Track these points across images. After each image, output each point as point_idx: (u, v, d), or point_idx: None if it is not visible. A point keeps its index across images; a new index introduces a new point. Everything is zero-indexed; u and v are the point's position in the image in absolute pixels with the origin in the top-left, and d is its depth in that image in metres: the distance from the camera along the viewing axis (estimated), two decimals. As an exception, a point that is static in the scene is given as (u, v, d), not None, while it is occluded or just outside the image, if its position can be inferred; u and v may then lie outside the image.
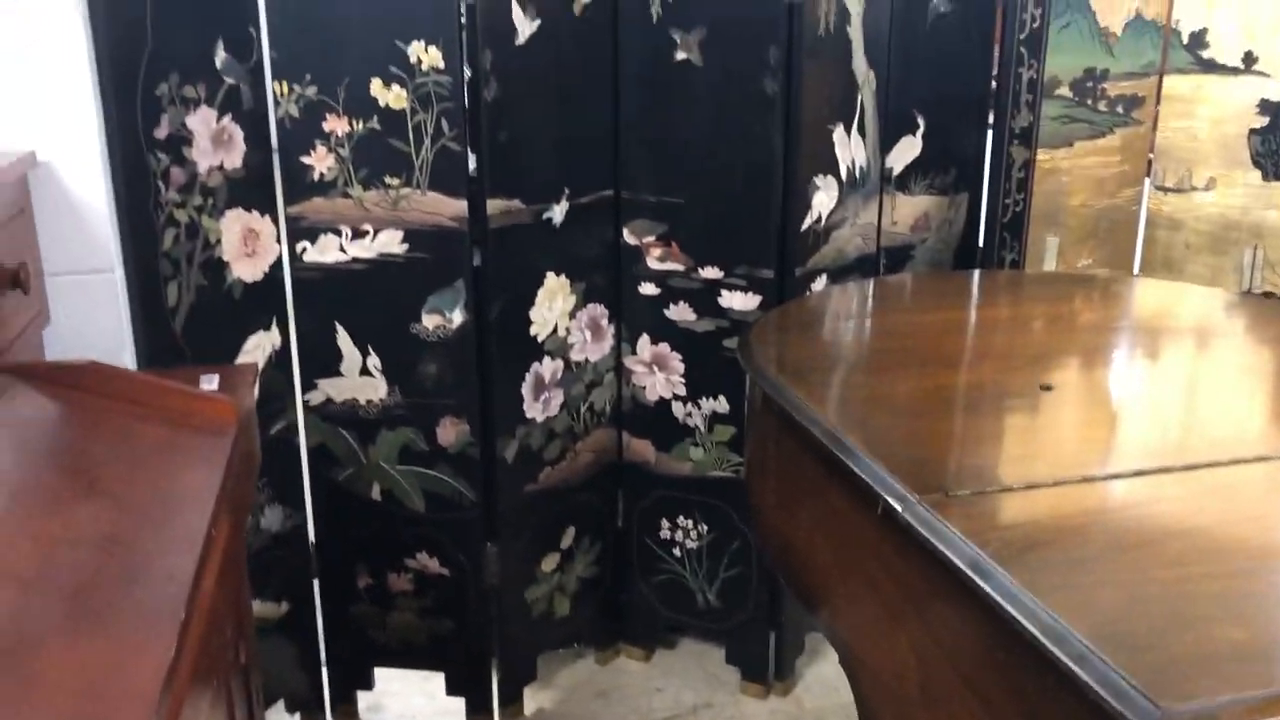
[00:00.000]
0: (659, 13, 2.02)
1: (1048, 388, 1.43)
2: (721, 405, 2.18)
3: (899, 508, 1.10)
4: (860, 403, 1.45)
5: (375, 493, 2.10)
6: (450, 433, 2.06)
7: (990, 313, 1.90)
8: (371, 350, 2.03)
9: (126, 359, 1.77)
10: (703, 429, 2.22)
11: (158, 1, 1.72)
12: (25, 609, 1.02)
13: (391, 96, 1.90)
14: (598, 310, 2.20)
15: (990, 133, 2.31)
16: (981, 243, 2.37)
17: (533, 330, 2.10)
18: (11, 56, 1.59)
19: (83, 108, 1.65)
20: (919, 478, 1.15)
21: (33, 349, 1.64)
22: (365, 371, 2.03)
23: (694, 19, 2.01)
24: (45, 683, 0.92)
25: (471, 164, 1.94)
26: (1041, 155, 2.26)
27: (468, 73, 1.88)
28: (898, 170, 2.30)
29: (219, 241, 1.89)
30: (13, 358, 1.52)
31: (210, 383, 1.64)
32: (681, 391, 2.22)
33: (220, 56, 1.84)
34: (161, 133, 1.77)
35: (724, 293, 2.12)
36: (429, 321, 2.00)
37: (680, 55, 2.03)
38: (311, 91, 1.90)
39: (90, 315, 1.73)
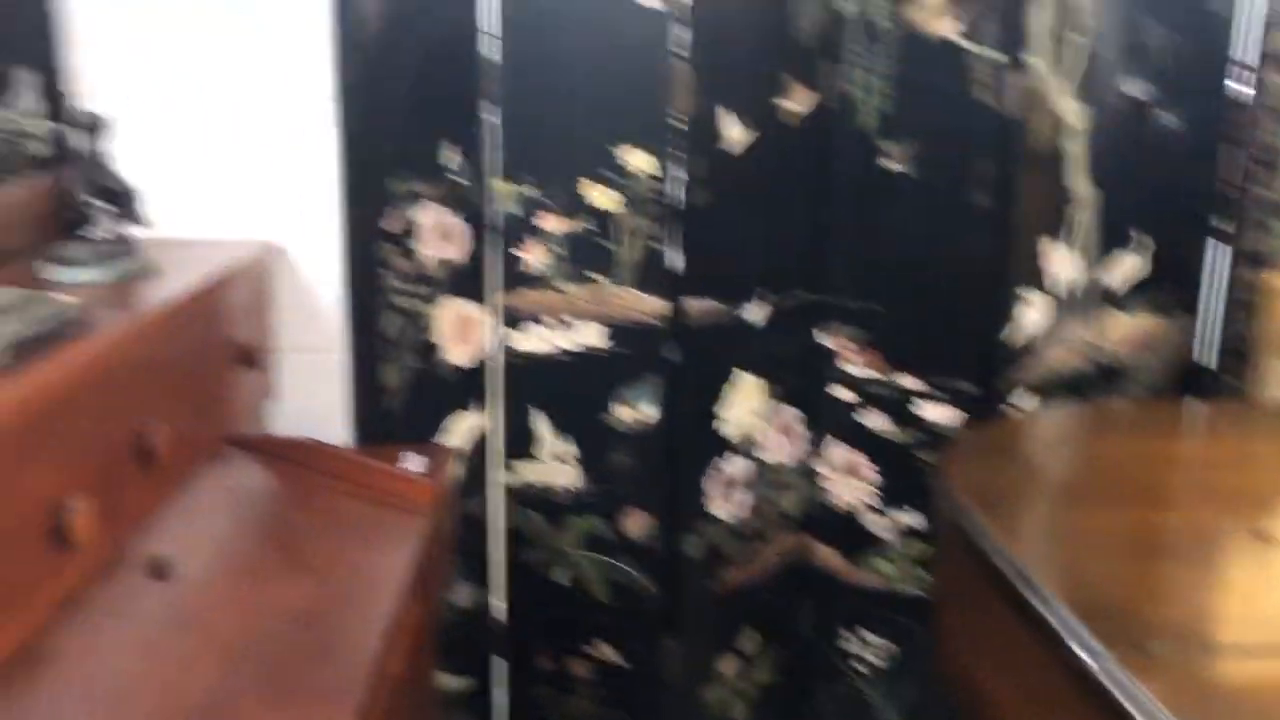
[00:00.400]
0: (872, 124, 2.03)
1: (1269, 537, 1.33)
2: (916, 519, 2.12)
3: (1092, 664, 1.04)
4: (1058, 540, 1.39)
5: (561, 577, 2.14)
6: (637, 524, 2.08)
7: (1210, 447, 1.79)
8: (567, 437, 2.08)
9: (343, 434, 1.89)
10: (895, 542, 2.16)
11: (400, 107, 1.86)
12: (225, 676, 1.09)
13: (603, 198, 1.97)
14: (790, 412, 2.19)
15: (1218, 252, 2.19)
16: (1204, 369, 2.23)
17: (724, 428, 2.11)
18: (272, 159, 1.75)
19: (327, 203, 1.79)
20: (1116, 630, 1.08)
21: (259, 421, 1.78)
22: (559, 458, 2.09)
23: (906, 131, 2.00)
24: (237, 751, 0.98)
25: (674, 263, 1.98)
26: (1274, 277, 2.12)
27: (677, 176, 1.94)
28: (1114, 287, 2.21)
29: (434, 327, 2.00)
30: (240, 429, 1.65)
31: (414, 462, 1.73)
32: (874, 501, 2.17)
33: (449, 157, 1.96)
34: (391, 225, 1.90)
35: (923, 403, 2.08)
36: (623, 413, 2.04)
37: (891, 166, 2.03)
38: (530, 190, 2.00)
39: (313, 391, 1.86)
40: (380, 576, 1.38)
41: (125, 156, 1.57)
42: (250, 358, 1.68)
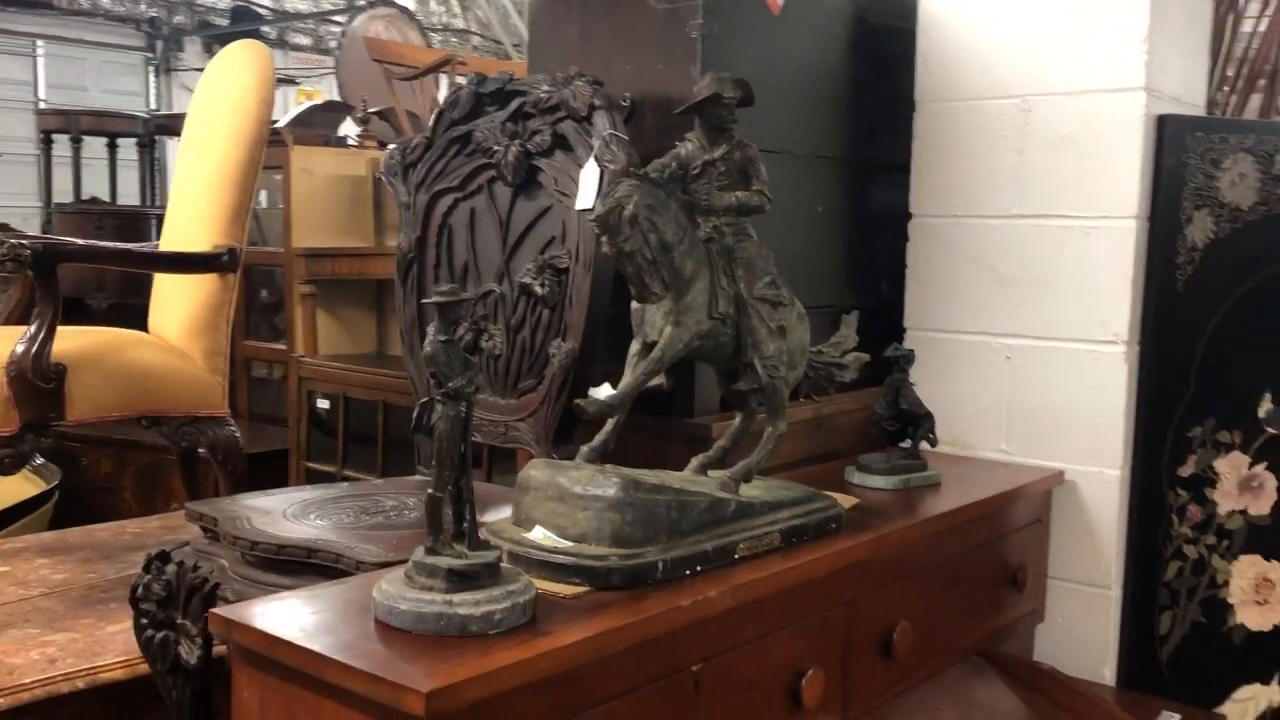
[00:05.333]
0: None
1: None
2: None
3: None
4: None
5: None
6: None
7: None
8: (1386, 745, 1.77)
9: (1107, 673, 1.86)
10: None
11: (1208, 354, 1.84)
12: None
13: None
14: None
15: None
16: None
17: None
18: (1063, 389, 1.85)
19: (1114, 440, 1.83)
20: None
21: (1021, 641, 1.84)
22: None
23: None
24: None
25: None
26: None
27: None
28: None
29: (1227, 584, 1.87)
30: (996, 645, 1.73)
31: (1168, 721, 1.65)
32: None
33: (1265, 407, 1.86)
34: (1186, 471, 1.85)
35: None
36: None
37: None
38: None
39: (1081, 624, 1.87)
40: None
41: (930, 375, 1.81)
42: (1018, 580, 1.76)
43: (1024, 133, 1.89)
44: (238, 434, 2.21)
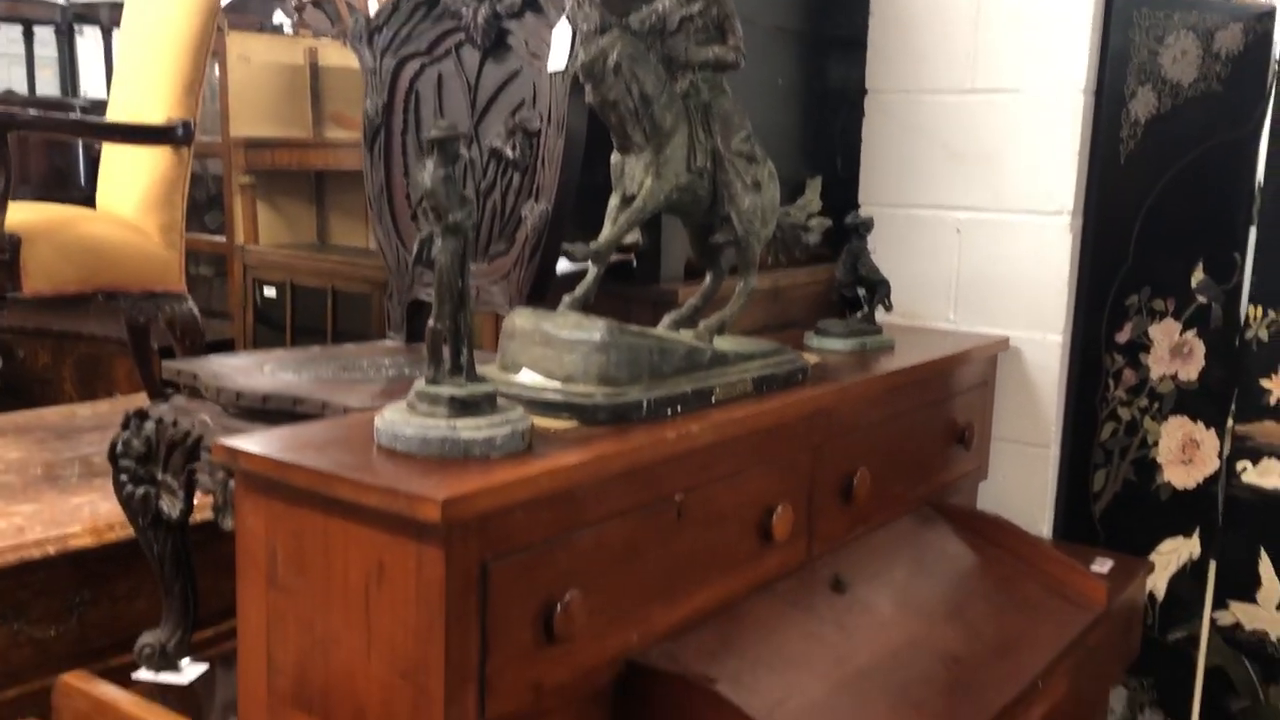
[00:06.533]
0: None
1: None
2: None
3: None
4: None
5: (1267, 738, 1.96)
6: (1371, 704, 1.83)
7: None
8: (1295, 587, 1.92)
9: (1044, 528, 1.98)
10: None
11: (1146, 225, 1.93)
12: (863, 681, 1.29)
13: (1372, 331, 1.81)
14: None
15: None
16: None
17: None
18: (1011, 259, 1.94)
19: (1057, 307, 1.92)
20: None
21: (966, 496, 1.94)
22: (1283, 607, 1.93)
23: None
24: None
25: None
26: None
27: None
28: None
29: (1156, 444, 1.99)
30: (946, 499, 1.83)
31: (1102, 566, 1.77)
32: None
33: (1197, 277, 1.96)
34: (1122, 337, 1.96)
35: None
36: (1367, 574, 1.82)
37: None
38: (1285, 318, 1.91)
39: (1022, 481, 1.98)
40: (1030, 646, 1.46)
41: (882, 249, 1.88)
42: (965, 438, 1.86)
43: (979, 7, 1.93)
44: (195, 310, 2.21)
